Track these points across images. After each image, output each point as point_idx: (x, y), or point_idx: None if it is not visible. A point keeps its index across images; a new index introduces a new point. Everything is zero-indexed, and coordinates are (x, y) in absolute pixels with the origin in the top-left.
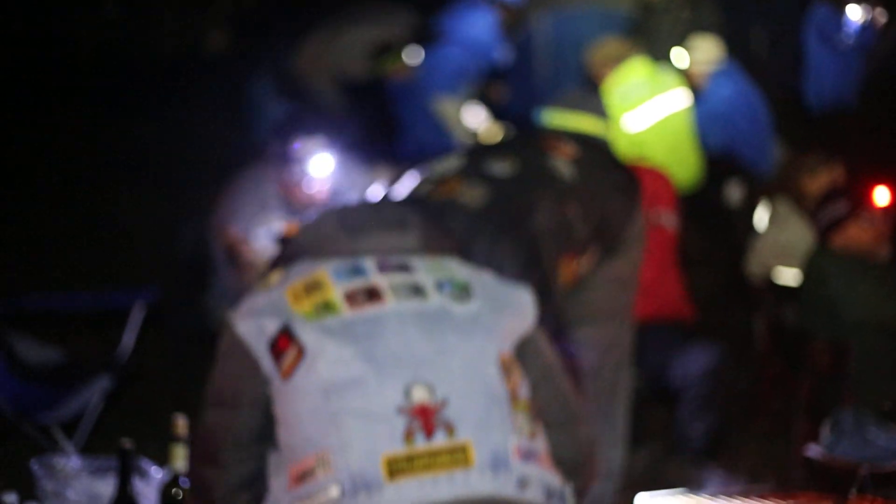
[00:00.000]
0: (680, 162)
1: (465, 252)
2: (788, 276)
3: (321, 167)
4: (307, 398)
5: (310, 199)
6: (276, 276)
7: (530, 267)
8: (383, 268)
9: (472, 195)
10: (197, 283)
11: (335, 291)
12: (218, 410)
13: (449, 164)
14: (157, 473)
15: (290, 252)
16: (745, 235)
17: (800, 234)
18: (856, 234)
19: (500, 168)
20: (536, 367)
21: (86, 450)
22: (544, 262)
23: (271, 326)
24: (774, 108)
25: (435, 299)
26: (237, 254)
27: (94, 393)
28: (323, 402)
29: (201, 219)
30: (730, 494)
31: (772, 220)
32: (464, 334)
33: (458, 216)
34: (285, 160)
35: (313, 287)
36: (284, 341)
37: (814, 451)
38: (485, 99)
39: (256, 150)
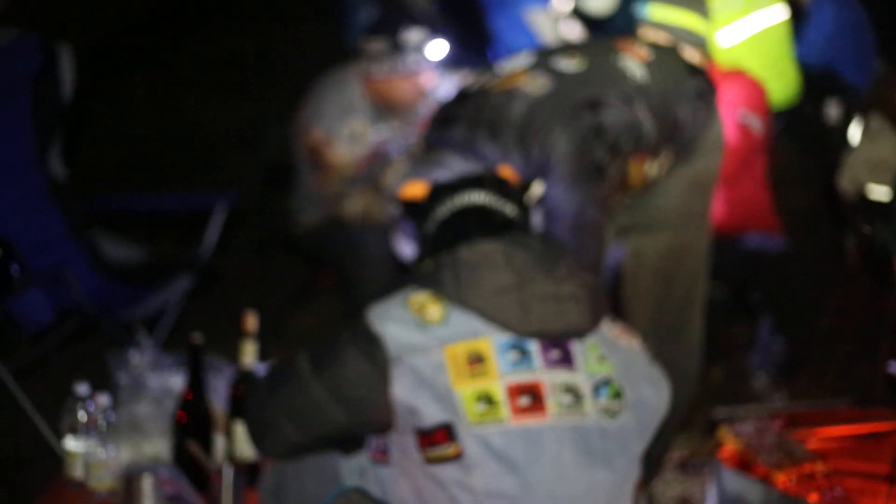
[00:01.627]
0: (776, 78)
1: (522, 136)
2: (880, 192)
3: (431, 51)
4: (455, 496)
5: (399, 100)
6: (435, 310)
7: (582, 153)
8: (547, 360)
9: (535, 85)
10: (280, 186)
11: (499, 383)
12: (321, 386)
13: (517, 61)
14: (228, 369)
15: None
16: (839, 152)
17: (893, 150)
18: None
19: (568, 64)
20: None
21: (165, 347)
22: (598, 154)
23: (430, 413)
24: (876, 23)
25: (591, 414)
26: (319, 156)
27: (174, 292)
28: None
29: (286, 122)
30: (806, 411)
31: (864, 135)
32: (611, 468)
33: (518, 101)
34: (382, 54)
35: (476, 361)
36: (443, 436)
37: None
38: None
39: (344, 54)
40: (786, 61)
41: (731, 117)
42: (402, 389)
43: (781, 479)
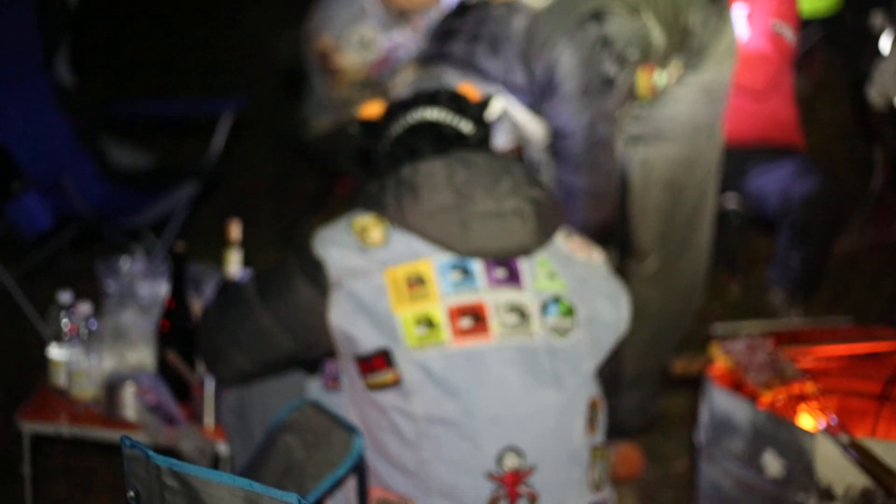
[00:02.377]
0: None
1: (524, 52)
2: None
3: None
4: (395, 422)
5: (413, 6)
6: (376, 233)
7: (587, 67)
8: (491, 279)
9: None
10: (293, 92)
11: (439, 304)
12: (267, 312)
13: None
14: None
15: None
16: (870, 63)
17: None
18: None
19: None
20: None
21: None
22: (605, 66)
23: (367, 339)
24: None
25: (538, 333)
26: (329, 62)
27: (181, 198)
28: (413, 437)
29: (299, 27)
30: (806, 330)
31: (895, 45)
32: (560, 387)
33: (519, 15)
34: None
35: (416, 283)
36: (381, 362)
37: None
38: None
39: None
40: None
41: (763, 27)
42: (338, 315)
43: (768, 398)
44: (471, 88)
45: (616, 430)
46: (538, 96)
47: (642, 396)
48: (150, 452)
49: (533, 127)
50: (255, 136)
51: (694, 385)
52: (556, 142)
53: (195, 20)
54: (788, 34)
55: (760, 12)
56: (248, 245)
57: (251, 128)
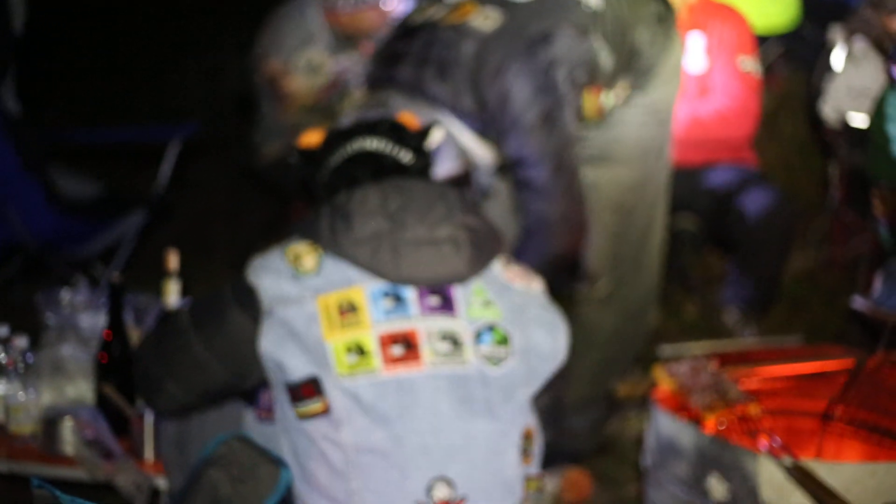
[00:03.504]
0: (773, 1)
1: (475, 80)
2: (860, 120)
3: None
4: (325, 452)
5: (364, 31)
6: (310, 260)
7: (543, 93)
8: (424, 307)
9: (485, 20)
10: (245, 117)
11: (371, 332)
12: (200, 342)
13: None
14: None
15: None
16: (824, 77)
17: (876, 76)
18: None
19: None
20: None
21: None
22: (558, 88)
23: (296, 367)
24: None
25: (471, 361)
26: (278, 87)
27: (130, 226)
28: (342, 467)
29: (246, 51)
30: (753, 350)
31: (847, 60)
32: (493, 416)
33: (469, 40)
34: None
35: (348, 310)
36: (310, 391)
37: (860, 303)
38: None
39: None
40: None
41: (731, 66)
42: (269, 343)
43: (711, 421)
44: (411, 117)
45: (566, 455)
46: (490, 123)
47: (593, 420)
48: (58, 493)
49: (481, 152)
50: (209, 161)
51: (646, 407)
52: (521, 171)
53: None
54: (755, 67)
55: (722, 49)
56: (201, 273)
57: (205, 153)
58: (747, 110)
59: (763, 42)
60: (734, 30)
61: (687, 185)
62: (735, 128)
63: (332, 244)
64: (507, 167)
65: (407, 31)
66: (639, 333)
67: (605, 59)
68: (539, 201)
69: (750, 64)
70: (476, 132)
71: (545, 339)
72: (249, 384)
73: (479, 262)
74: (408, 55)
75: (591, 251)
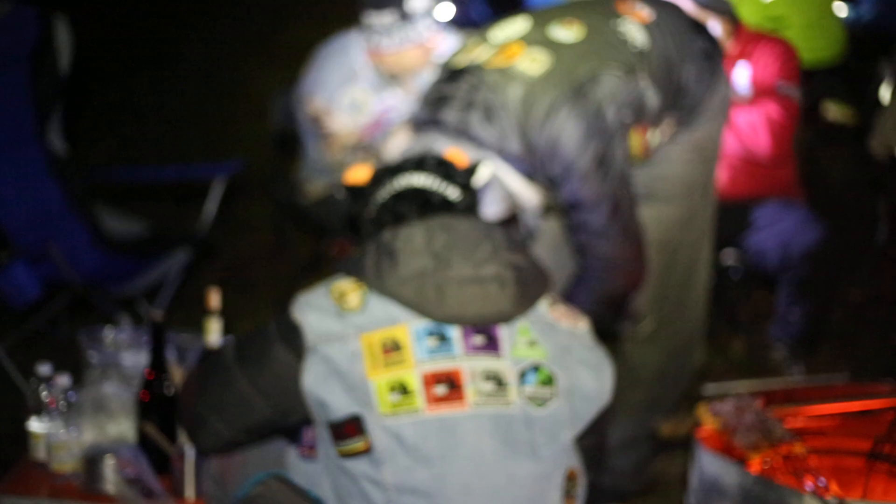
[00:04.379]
0: (819, 35)
1: (523, 125)
2: None
3: (440, 13)
4: (366, 491)
5: (409, 69)
6: (354, 298)
7: (594, 136)
8: (468, 346)
9: (532, 61)
10: (288, 155)
11: (414, 371)
12: (245, 379)
13: (511, 28)
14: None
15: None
16: (872, 113)
17: None
18: None
19: (566, 33)
20: None
21: (167, 321)
22: (608, 131)
23: (339, 405)
24: None
25: (515, 402)
26: (321, 125)
27: (174, 265)
28: None
29: (291, 90)
30: (798, 388)
31: (895, 95)
32: (536, 458)
33: (515, 84)
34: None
35: (392, 349)
36: (352, 429)
37: None
38: None
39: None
40: (830, 17)
41: (770, 89)
42: (311, 380)
43: (756, 460)
44: (459, 154)
45: (611, 495)
46: (539, 167)
47: (637, 459)
48: None
49: (528, 195)
50: (253, 199)
51: (690, 447)
52: (578, 215)
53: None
54: (795, 94)
55: (765, 73)
56: (244, 310)
57: (249, 191)
58: (776, 129)
59: (811, 77)
60: (778, 57)
61: (734, 221)
62: (761, 143)
63: (376, 282)
64: (557, 209)
65: (452, 73)
66: (684, 372)
67: (652, 97)
68: (599, 243)
69: (788, 89)
70: (523, 174)
71: (590, 380)
72: (293, 421)
73: (524, 301)
74: (454, 98)
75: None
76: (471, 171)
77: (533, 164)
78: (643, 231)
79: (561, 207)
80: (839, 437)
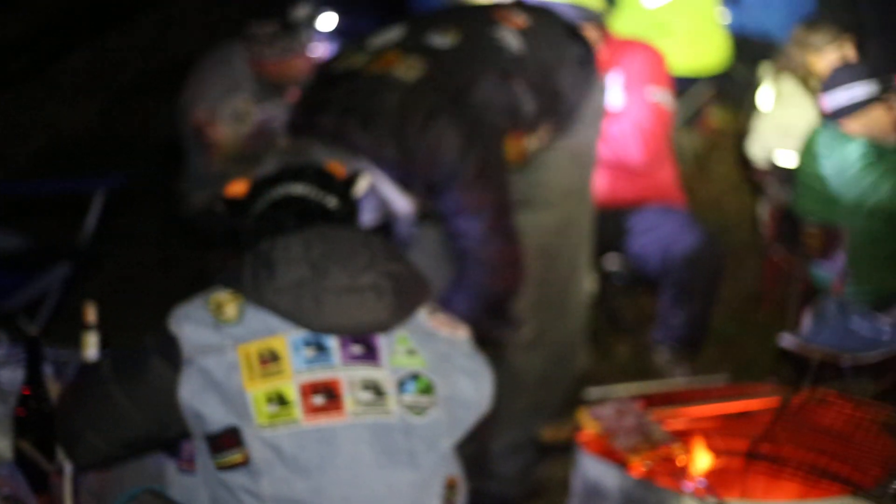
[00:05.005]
0: (704, 41)
1: (401, 132)
2: (788, 157)
3: (322, 23)
4: (243, 503)
5: (292, 78)
6: (231, 309)
7: (470, 144)
8: (346, 356)
9: (409, 68)
10: (174, 166)
11: (292, 381)
12: (121, 392)
13: (388, 35)
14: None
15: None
16: (751, 117)
17: (803, 114)
18: (879, 117)
19: (441, 40)
20: None
21: (48, 335)
22: (486, 137)
23: (216, 417)
24: None
25: (394, 411)
26: (203, 136)
27: (54, 279)
28: None
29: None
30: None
31: (776, 99)
32: (415, 466)
33: (392, 90)
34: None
35: (269, 359)
36: (229, 441)
37: (788, 341)
38: None
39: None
40: (714, 25)
41: (640, 95)
42: (188, 392)
43: (636, 463)
44: (338, 165)
45: (497, 501)
46: (416, 174)
47: (522, 465)
48: None
49: (402, 203)
50: (140, 212)
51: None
52: (458, 222)
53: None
54: (666, 99)
55: (635, 80)
56: (129, 325)
57: (136, 204)
58: (647, 136)
59: (694, 83)
60: (647, 63)
61: (615, 226)
62: (632, 150)
63: (254, 293)
64: (434, 216)
65: (329, 78)
66: (566, 377)
67: (528, 103)
68: (482, 249)
69: (659, 95)
70: (398, 183)
71: (469, 388)
72: (171, 435)
73: (402, 309)
74: (330, 103)
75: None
76: (350, 181)
77: (410, 172)
78: (521, 237)
79: (439, 214)
80: (718, 438)
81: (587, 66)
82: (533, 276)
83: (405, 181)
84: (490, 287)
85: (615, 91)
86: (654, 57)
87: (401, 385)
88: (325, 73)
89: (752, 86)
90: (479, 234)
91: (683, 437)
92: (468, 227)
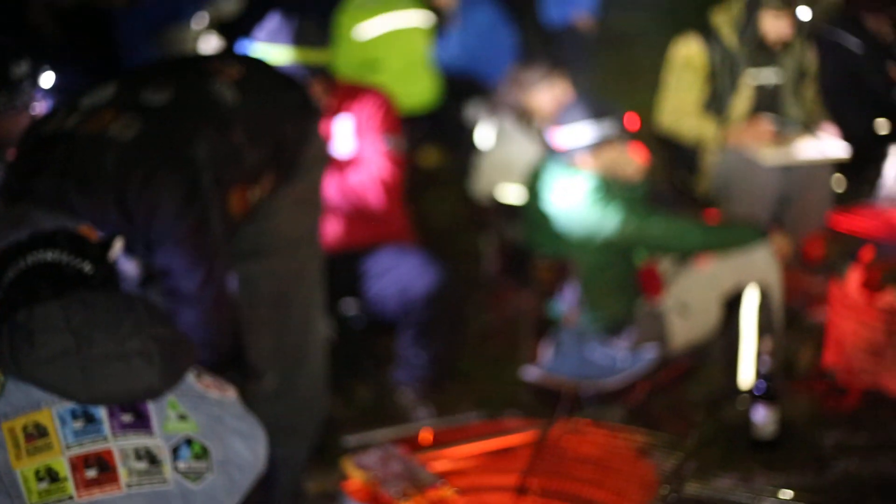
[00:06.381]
0: (416, 80)
1: (120, 192)
2: (511, 193)
3: (45, 80)
4: None
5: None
6: None
7: (192, 201)
8: (116, 425)
9: (124, 126)
10: None
11: (62, 455)
12: None
13: (101, 94)
14: None
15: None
16: (471, 155)
17: (524, 151)
18: (614, 154)
19: (156, 96)
20: None
21: None
22: (206, 193)
23: None
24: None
25: (171, 478)
26: None
27: None
28: None
29: None
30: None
31: (497, 137)
32: None
33: (109, 150)
34: None
35: (36, 435)
36: None
37: (532, 373)
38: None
39: None
40: (424, 65)
41: (376, 144)
42: None
43: None
44: (90, 229)
45: None
46: (136, 236)
47: None
48: None
49: (127, 266)
50: None
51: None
52: (170, 281)
53: None
54: (399, 144)
55: (366, 127)
56: None
57: None
58: (386, 183)
59: (410, 122)
60: (378, 110)
61: (350, 271)
62: (373, 200)
63: (13, 367)
64: (154, 278)
65: (42, 140)
66: (313, 425)
67: (250, 154)
68: (189, 310)
69: (392, 142)
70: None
71: (244, 449)
72: None
73: (172, 374)
74: (46, 166)
75: (253, 347)
76: (104, 244)
77: (132, 233)
78: (234, 298)
79: (157, 272)
80: (484, 475)
81: (306, 112)
82: (269, 325)
83: (127, 243)
84: (204, 350)
85: (346, 136)
86: (384, 103)
87: (175, 451)
88: (37, 134)
89: (463, 124)
90: (187, 294)
91: (449, 477)
92: (178, 285)
